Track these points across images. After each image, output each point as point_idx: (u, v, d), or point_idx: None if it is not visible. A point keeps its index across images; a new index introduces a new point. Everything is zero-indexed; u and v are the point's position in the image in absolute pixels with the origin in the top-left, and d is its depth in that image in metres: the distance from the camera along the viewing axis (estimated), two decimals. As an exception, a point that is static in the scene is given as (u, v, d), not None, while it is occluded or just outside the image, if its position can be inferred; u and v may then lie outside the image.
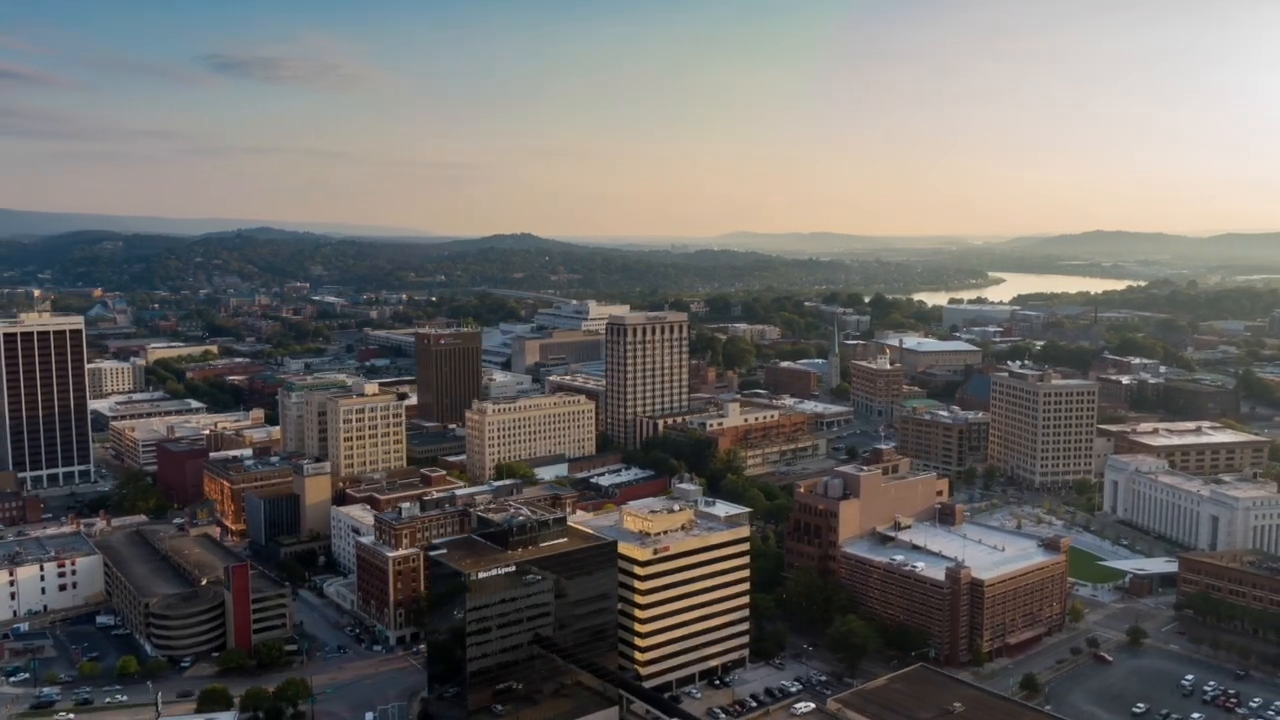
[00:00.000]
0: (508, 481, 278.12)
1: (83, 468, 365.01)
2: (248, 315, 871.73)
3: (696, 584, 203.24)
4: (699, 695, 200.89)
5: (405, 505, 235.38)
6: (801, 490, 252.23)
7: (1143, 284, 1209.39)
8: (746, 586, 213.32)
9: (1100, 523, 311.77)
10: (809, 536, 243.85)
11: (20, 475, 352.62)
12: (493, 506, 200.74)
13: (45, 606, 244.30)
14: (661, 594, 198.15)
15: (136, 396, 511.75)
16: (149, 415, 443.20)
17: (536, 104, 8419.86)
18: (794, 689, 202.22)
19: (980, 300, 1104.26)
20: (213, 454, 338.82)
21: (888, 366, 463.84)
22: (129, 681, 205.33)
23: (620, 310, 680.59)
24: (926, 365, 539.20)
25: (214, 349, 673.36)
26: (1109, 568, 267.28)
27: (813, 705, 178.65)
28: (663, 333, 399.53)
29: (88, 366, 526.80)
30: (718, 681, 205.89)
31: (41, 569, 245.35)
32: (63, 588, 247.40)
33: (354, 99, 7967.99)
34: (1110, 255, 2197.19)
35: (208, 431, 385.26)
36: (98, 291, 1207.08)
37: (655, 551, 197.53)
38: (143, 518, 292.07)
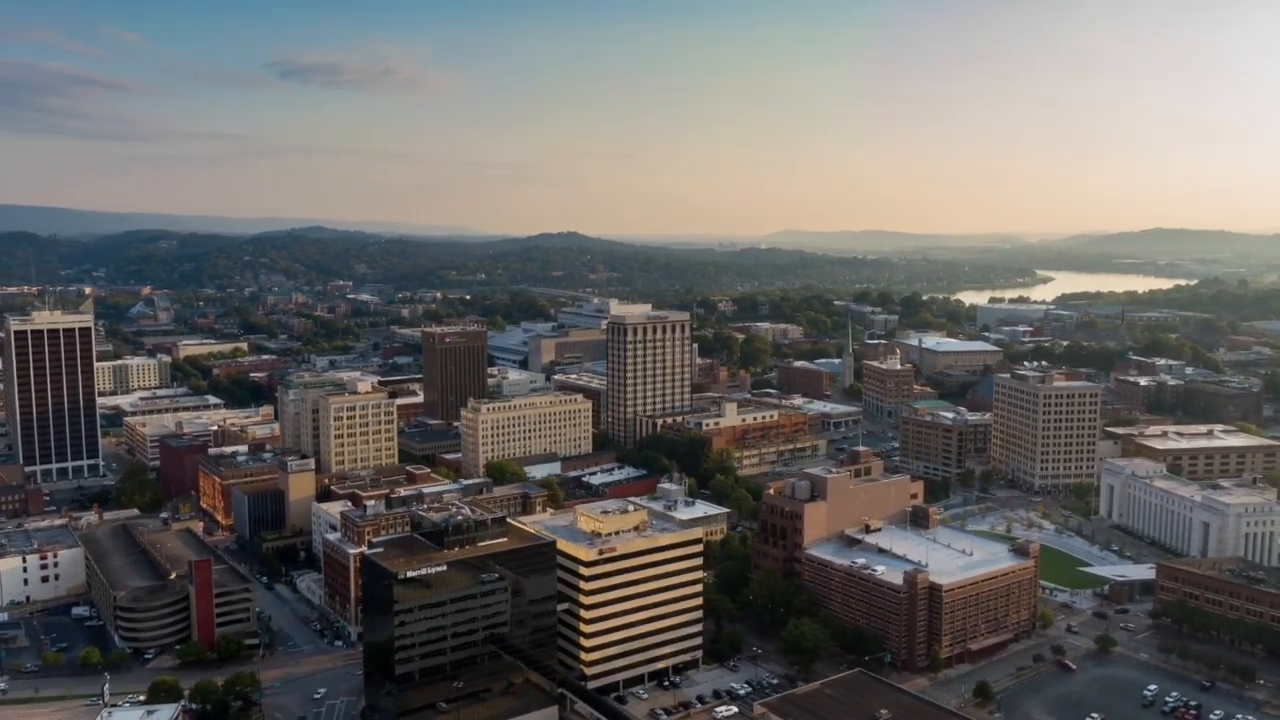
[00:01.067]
0: (477, 480, 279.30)
1: (91, 462, 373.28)
2: (282, 313, 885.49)
3: (645, 585, 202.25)
4: (645, 696, 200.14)
5: (370, 503, 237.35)
6: (770, 492, 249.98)
7: (1192, 283, 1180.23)
8: (699, 588, 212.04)
9: (1095, 527, 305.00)
10: (775, 538, 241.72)
11: (30, 469, 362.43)
12: (436, 505, 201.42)
13: (28, 597, 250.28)
14: (606, 594, 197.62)
15: (160, 392, 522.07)
16: (167, 410, 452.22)
17: (590, 104, 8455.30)
18: (743, 691, 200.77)
19: (1021, 299, 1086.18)
20: (212, 450, 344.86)
21: (898, 367, 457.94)
22: (90, 672, 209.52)
23: (641, 309, 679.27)
24: (945, 365, 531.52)
25: (244, 346, 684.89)
26: (1090, 574, 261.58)
27: (735, 709, 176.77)
28: (664, 332, 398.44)
29: (116, 363, 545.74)
30: (666, 683, 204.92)
31: (24, 560, 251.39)
32: (45, 579, 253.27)
33: (411, 101, 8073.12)
34: (1168, 253, 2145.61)
35: (215, 427, 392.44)
36: (146, 289, 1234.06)
37: (600, 552, 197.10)
38: (135, 511, 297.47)
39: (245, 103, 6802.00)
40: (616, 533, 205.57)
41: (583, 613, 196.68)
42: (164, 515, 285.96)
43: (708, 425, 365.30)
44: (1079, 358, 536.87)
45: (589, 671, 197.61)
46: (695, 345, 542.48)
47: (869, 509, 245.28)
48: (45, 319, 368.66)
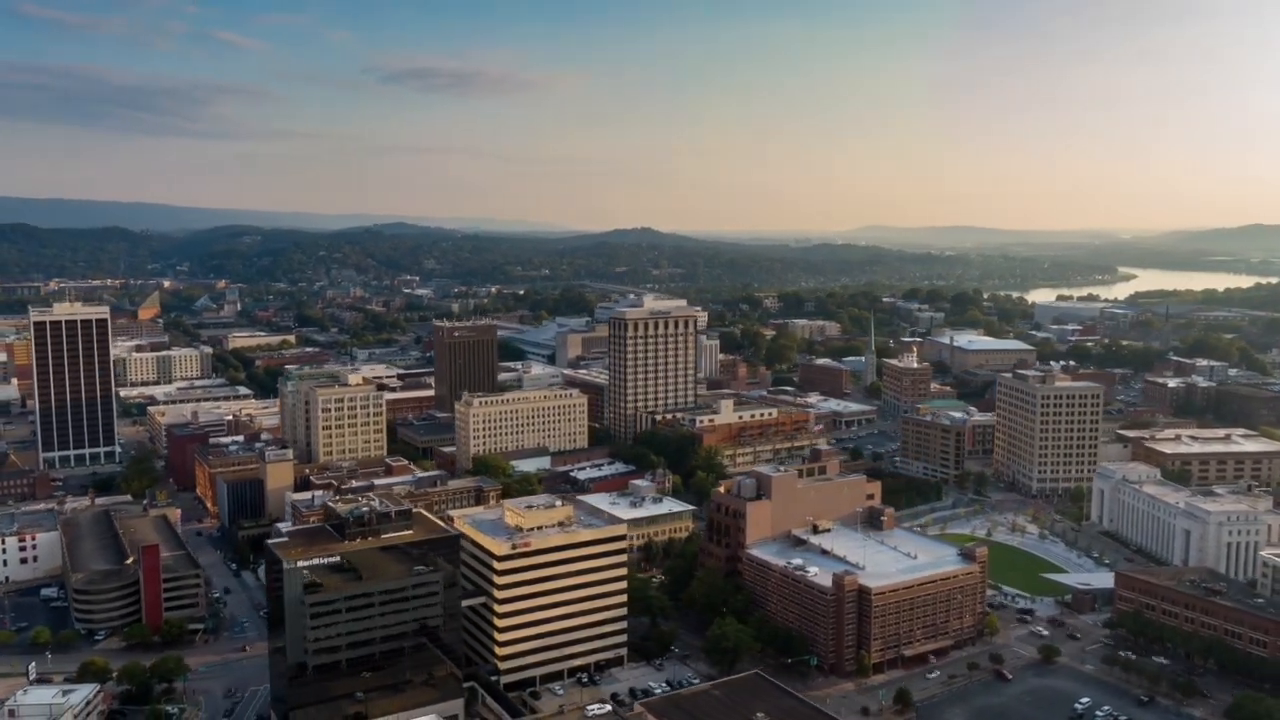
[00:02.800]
0: (432, 474, 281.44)
1: (108, 449, 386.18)
2: (338, 307, 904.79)
3: (563, 581, 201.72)
4: (561, 692, 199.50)
5: (318, 494, 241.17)
6: (720, 490, 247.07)
7: (1272, 281, 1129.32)
8: (623, 586, 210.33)
9: (1084, 534, 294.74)
10: (720, 537, 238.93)
11: (49, 454, 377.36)
12: (345, 498, 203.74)
13: (6, 578, 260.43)
14: (520, 589, 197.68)
15: (198, 382, 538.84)
16: (197, 400, 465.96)
17: (673, 101, 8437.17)
18: (659, 690, 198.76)
19: (1091, 297, 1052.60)
20: (213, 439, 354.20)
21: (914, 365, 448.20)
22: (38, 651, 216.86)
23: (674, 304, 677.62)
24: (975, 364, 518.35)
25: (291, 339, 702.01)
26: (1053, 581, 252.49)
27: (608, 708, 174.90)
28: (668, 328, 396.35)
29: (160, 354, 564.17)
30: (585, 680, 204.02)
31: (3, 542, 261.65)
32: (24, 560, 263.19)
33: (501, 103, 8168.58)
34: (1264, 250, 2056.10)
35: (230, 417, 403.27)
36: (222, 283, 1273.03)
37: (514, 546, 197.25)
38: (127, 497, 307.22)
39: (347, 105, 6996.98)
40: (539, 528, 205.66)
41: (496, 607, 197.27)
42: (144, 502, 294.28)
43: (701, 422, 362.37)
44: (1117, 358, 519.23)
45: (503, 666, 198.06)
46: (717, 342, 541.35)
47: (820, 509, 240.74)
48: (64, 311, 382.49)
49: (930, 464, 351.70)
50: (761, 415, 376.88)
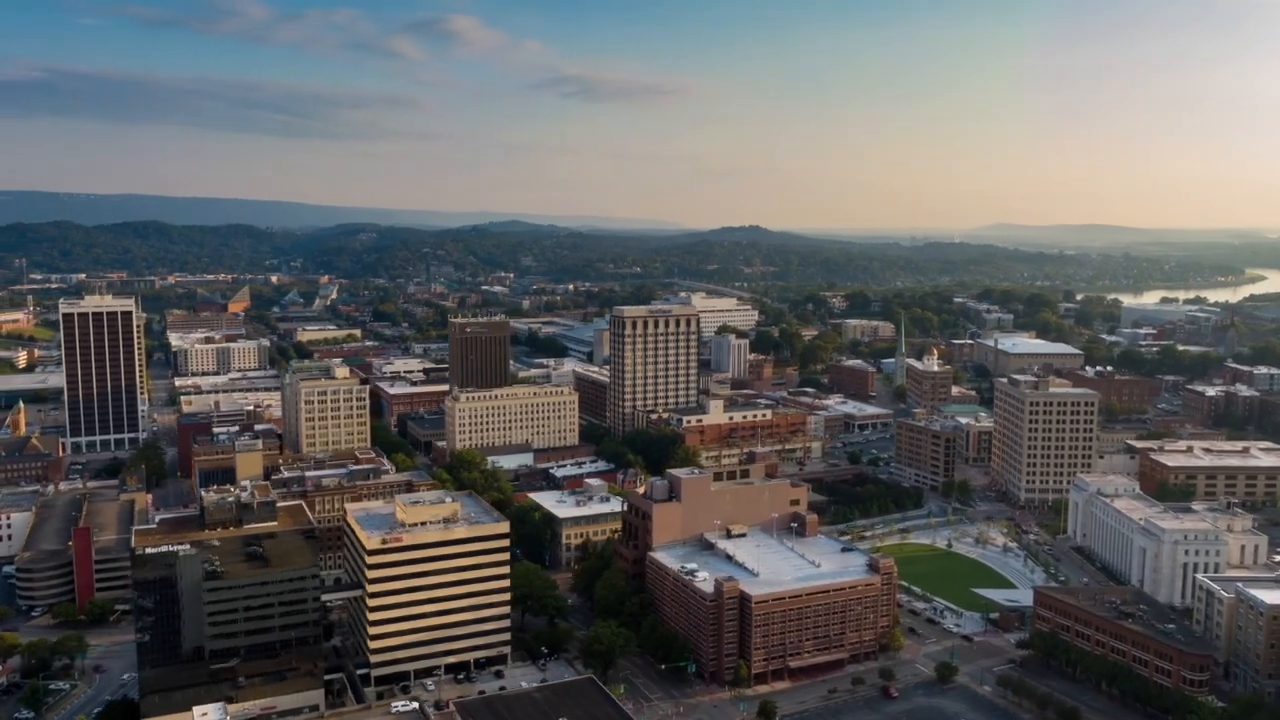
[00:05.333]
0: (365, 466, 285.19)
1: (132, 435, 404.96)
2: (413, 303, 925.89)
3: (439, 576, 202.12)
4: (433, 688, 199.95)
5: (246, 484, 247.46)
6: (639, 491, 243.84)
7: None
8: (506, 583, 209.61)
9: (1056, 549, 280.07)
10: (630, 538, 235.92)
11: (75, 440, 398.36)
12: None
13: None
14: (392, 583, 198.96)
15: (250, 374, 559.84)
16: (239, 390, 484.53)
17: (802, 102, 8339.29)
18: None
19: (1198, 300, 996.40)
20: (216, 429, 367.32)
21: (935, 368, 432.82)
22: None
23: (724, 304, 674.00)
24: (1016, 367, 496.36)
25: (358, 333, 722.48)
26: (984, 597, 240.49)
27: (414, 706, 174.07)
28: (667, 327, 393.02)
29: (219, 345, 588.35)
30: (461, 677, 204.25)
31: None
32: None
33: (633, 106, 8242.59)
34: None
35: (252, 408, 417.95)
36: (325, 278, 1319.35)
37: (384, 540, 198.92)
38: (113, 482, 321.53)
39: (484, 110, 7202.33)
40: (423, 523, 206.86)
41: (368, 600, 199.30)
42: (117, 487, 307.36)
43: (688, 422, 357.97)
44: (1172, 364, 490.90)
45: (374, 659, 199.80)
46: (746, 341, 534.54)
47: (737, 513, 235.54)
48: (92, 303, 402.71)
49: (921, 470, 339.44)
50: (754, 416, 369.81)
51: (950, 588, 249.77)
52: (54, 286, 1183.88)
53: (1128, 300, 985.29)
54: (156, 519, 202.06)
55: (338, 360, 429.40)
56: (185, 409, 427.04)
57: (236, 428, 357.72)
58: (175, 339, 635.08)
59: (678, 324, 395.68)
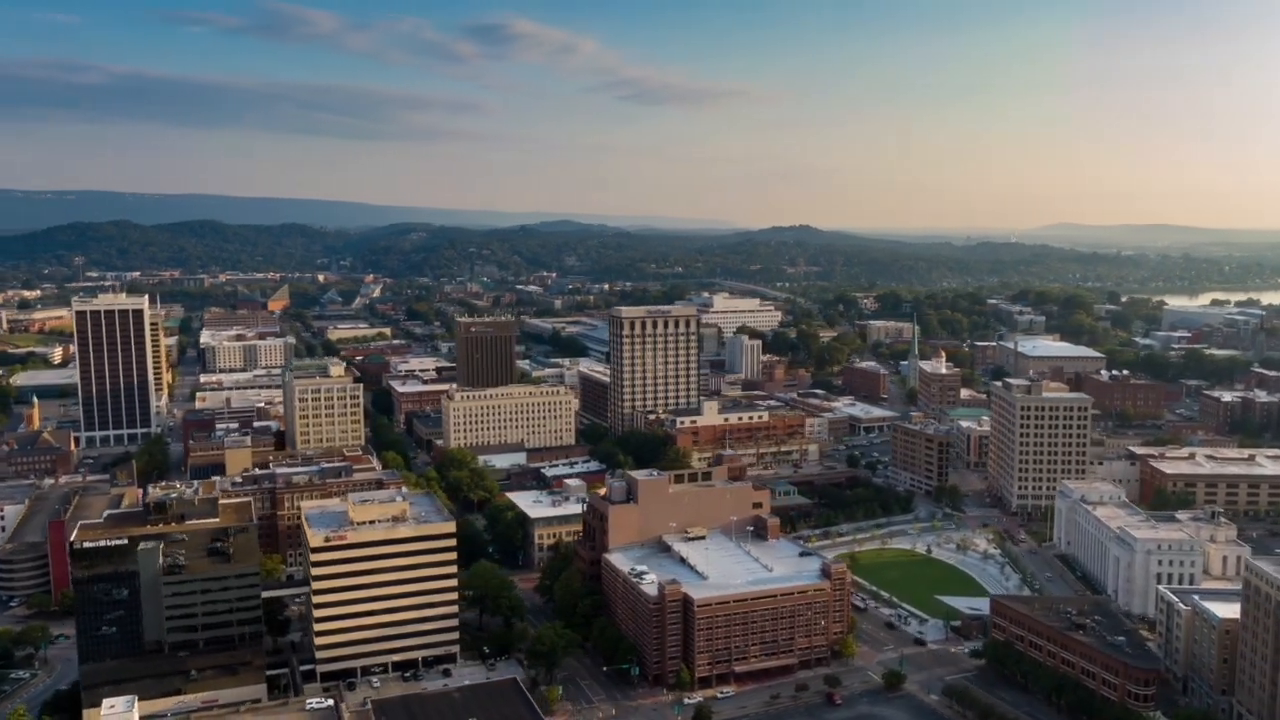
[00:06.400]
0: (336, 464, 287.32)
1: (144, 430, 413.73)
2: (447, 302, 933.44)
3: (384, 575, 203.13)
4: (378, 685, 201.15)
5: (217, 479, 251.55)
6: (600, 492, 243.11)
7: None
8: (453, 583, 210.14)
9: (1041, 557, 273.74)
10: (589, 539, 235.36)
11: (89, 435, 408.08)
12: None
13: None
14: (336, 581, 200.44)
15: (274, 371, 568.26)
16: (257, 387, 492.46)
17: (860, 104, 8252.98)
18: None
19: (1250, 302, 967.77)
20: (218, 425, 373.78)
21: (943, 370, 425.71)
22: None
23: (747, 305, 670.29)
24: (1035, 370, 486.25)
25: (387, 331, 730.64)
26: (947, 605, 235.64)
27: (330, 702, 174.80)
28: (667, 327, 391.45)
29: (245, 343, 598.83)
30: (407, 675, 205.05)
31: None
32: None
33: (687, 110, 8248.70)
34: None
35: (262, 404, 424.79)
36: (370, 277, 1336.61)
37: (328, 538, 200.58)
38: (106, 476, 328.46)
39: (545, 113, 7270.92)
40: (371, 522, 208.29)
41: (313, 597, 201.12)
42: (109, 481, 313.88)
43: (681, 423, 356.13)
44: (1197, 368, 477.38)
45: (320, 655, 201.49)
46: (759, 342, 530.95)
47: (696, 515, 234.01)
48: (105, 301, 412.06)
49: (916, 475, 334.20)
50: (749, 418, 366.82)
51: (922, 594, 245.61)
52: (107, 284, 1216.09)
53: (1176, 302, 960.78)
54: (105, 514, 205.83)
55: (335, 359, 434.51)
56: (199, 405, 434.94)
57: (236, 424, 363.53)
58: (206, 336, 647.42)
59: (677, 324, 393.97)
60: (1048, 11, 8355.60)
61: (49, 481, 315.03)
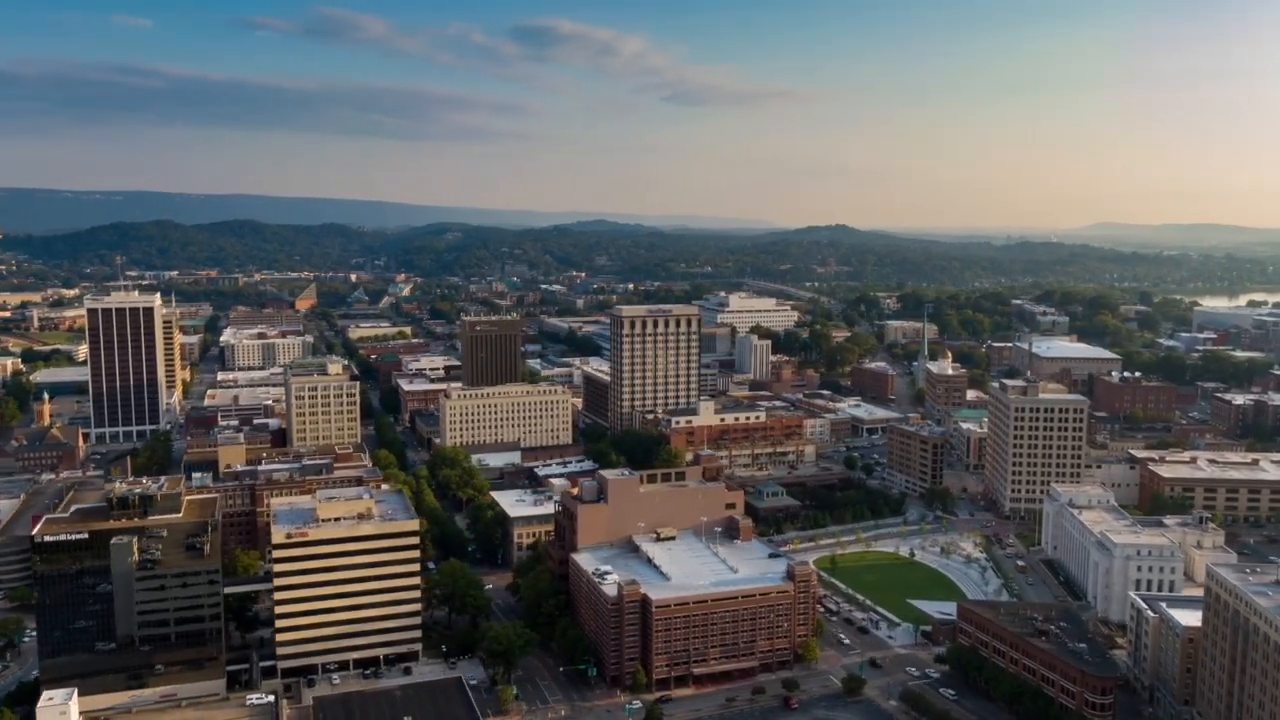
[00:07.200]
0: (318, 461, 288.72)
1: (153, 426, 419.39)
2: (472, 301, 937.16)
3: (346, 572, 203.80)
4: (337, 680, 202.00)
5: (197, 475, 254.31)
6: (572, 492, 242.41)
7: None
8: (415, 581, 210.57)
9: (1028, 561, 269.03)
10: (559, 539, 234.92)
11: (99, 430, 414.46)
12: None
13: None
14: (297, 578, 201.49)
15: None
16: (276, 385, 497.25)
17: (901, 105, 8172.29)
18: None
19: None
20: (221, 421, 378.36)
21: (949, 371, 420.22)
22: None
23: (762, 305, 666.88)
24: (1049, 371, 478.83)
25: (408, 330, 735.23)
26: (918, 609, 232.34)
27: (270, 699, 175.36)
28: (666, 326, 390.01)
29: (264, 341, 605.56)
30: (368, 672, 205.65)
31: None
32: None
33: (728, 112, 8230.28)
34: None
35: (270, 402, 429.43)
36: (401, 276, 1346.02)
37: (289, 535, 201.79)
38: (100, 472, 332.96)
39: (589, 114, 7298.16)
40: (336, 519, 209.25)
41: (275, 593, 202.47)
42: (104, 477, 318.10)
43: (677, 424, 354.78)
44: (1216, 370, 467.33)
45: (281, 651, 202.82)
46: (768, 342, 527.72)
47: (669, 516, 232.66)
48: (116, 299, 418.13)
49: (911, 476, 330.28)
50: (746, 419, 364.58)
51: (898, 598, 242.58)
52: (145, 283, 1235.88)
53: (1212, 303, 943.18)
54: (72, 509, 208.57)
55: (334, 357, 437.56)
56: (208, 401, 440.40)
57: (236, 421, 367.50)
58: (227, 334, 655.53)
59: (678, 324, 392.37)
60: (1096, 10, 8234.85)
61: (47, 476, 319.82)
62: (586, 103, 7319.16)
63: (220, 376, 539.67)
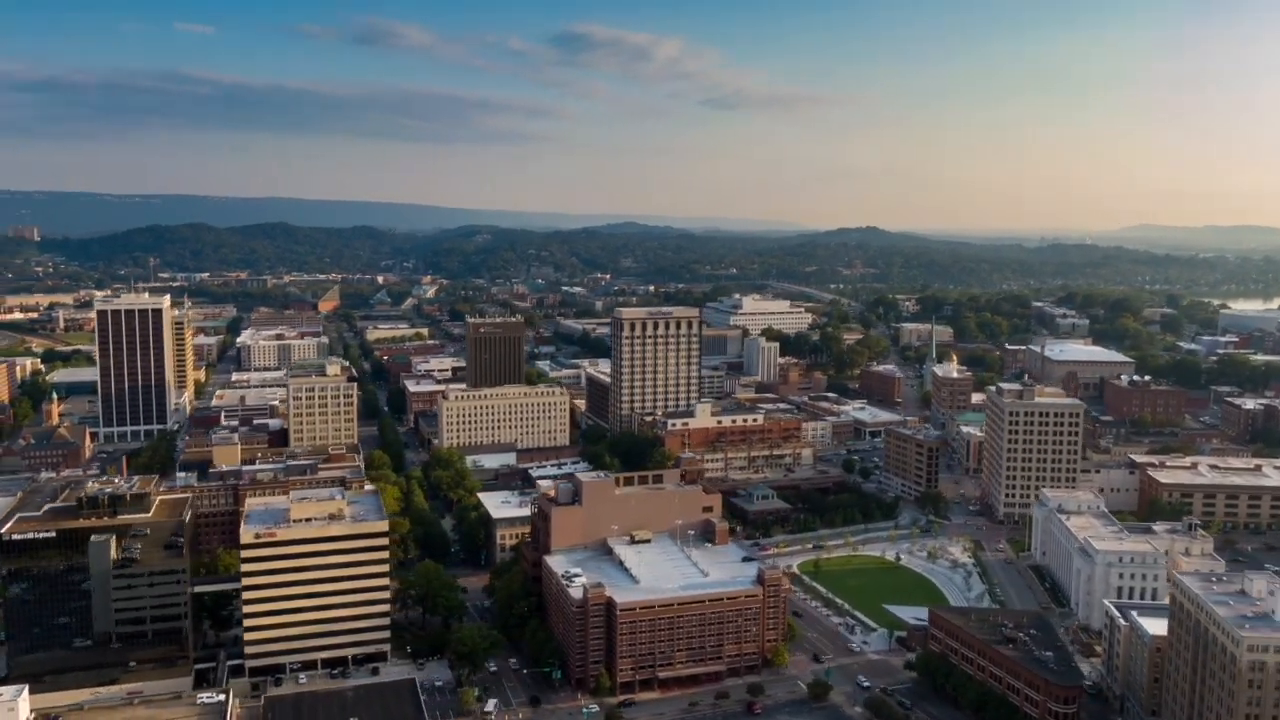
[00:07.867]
0: (303, 461, 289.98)
1: (161, 426, 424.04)
2: (492, 303, 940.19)
3: (315, 573, 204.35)
4: (305, 680, 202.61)
5: (182, 475, 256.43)
6: (548, 493, 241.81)
7: None
8: (385, 581, 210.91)
9: (1016, 567, 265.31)
10: (534, 541, 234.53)
11: (108, 430, 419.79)
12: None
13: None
14: (265, 577, 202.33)
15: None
16: (283, 386, 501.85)
17: (935, 107, 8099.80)
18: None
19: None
20: (225, 421, 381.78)
21: (954, 374, 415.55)
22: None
23: (776, 307, 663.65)
24: (1061, 374, 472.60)
25: (425, 332, 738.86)
26: (894, 615, 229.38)
27: (220, 699, 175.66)
28: (667, 328, 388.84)
29: (279, 342, 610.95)
30: (336, 672, 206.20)
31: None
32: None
33: (773, 114, 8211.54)
34: None
35: (276, 403, 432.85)
36: (427, 278, 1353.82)
37: (257, 535, 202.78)
38: (96, 471, 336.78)
39: (620, 119, 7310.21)
40: (307, 519, 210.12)
41: (244, 593, 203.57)
42: (98, 476, 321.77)
43: (673, 426, 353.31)
44: (1233, 374, 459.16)
45: (249, 650, 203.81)
46: (776, 345, 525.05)
47: (643, 518, 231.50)
48: (127, 300, 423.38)
49: (907, 480, 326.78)
50: (744, 421, 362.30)
51: (878, 603, 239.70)
52: (177, 285, 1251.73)
53: (1241, 306, 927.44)
54: (44, 508, 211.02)
55: (334, 359, 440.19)
56: (215, 402, 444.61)
57: (237, 421, 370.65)
58: (245, 335, 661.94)
59: (679, 326, 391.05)
60: (1132, 11, 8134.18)
61: (48, 475, 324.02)
62: (620, 106, 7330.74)
63: (235, 377, 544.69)
